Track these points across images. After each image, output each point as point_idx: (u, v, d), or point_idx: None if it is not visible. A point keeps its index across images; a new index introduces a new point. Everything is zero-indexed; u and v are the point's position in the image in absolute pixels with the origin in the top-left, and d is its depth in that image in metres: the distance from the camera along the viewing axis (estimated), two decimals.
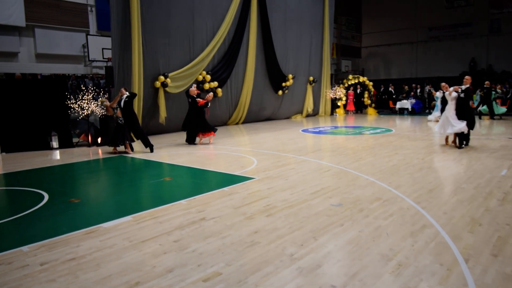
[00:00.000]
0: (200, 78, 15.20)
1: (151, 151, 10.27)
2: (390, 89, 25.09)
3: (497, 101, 18.36)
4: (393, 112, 23.67)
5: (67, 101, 11.26)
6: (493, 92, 17.75)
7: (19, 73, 15.16)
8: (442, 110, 16.92)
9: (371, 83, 23.20)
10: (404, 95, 24.14)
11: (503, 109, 18.05)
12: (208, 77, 15.42)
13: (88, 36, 16.72)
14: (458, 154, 9.09)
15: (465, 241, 4.04)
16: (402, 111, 23.07)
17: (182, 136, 13.85)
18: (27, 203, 5.84)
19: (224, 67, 16.39)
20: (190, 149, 10.70)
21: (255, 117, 19.03)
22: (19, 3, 14.71)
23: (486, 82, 17.91)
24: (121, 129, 10.23)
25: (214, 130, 11.65)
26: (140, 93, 12.78)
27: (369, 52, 32.18)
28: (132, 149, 10.43)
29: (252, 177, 7.20)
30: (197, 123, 11.41)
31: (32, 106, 11.10)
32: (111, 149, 10.63)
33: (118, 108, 10.29)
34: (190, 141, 11.57)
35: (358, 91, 23.72)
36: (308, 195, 5.90)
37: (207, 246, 4.04)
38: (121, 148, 10.65)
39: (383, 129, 14.80)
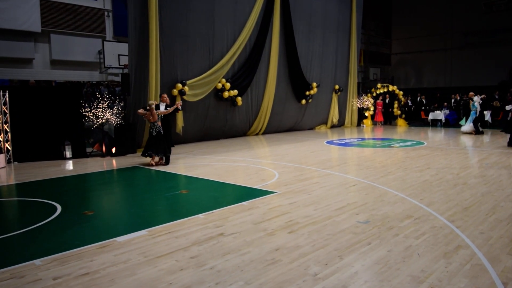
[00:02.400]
0: (220, 86, 15.39)
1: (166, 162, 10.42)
2: (419, 99, 24.84)
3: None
4: (425, 123, 23.36)
5: (82, 109, 11.56)
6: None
7: (33, 80, 15.65)
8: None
9: (401, 92, 23.01)
10: (436, 105, 23.87)
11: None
12: (228, 85, 15.59)
13: (104, 42, 17.13)
14: (496, 170, 8.91)
15: (504, 264, 3.96)
16: (435, 123, 22.74)
17: (200, 146, 14.02)
18: (39, 215, 6.00)
19: (245, 75, 16.55)
20: (208, 161, 10.81)
21: (276, 127, 19.08)
22: (35, 8, 15.23)
23: (470, 93, 17.33)
24: (161, 139, 10.19)
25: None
26: (157, 101, 12.98)
27: (399, 59, 31.92)
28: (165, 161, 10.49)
29: (273, 191, 7.22)
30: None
31: (46, 114, 11.44)
32: (148, 160, 10.54)
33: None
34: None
35: (387, 100, 23.54)
36: (333, 211, 5.88)
37: (225, 263, 4.08)
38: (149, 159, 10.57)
39: (414, 142, 14.62)
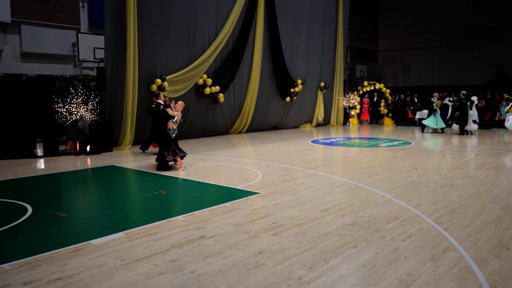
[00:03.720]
0: (201, 81, 15.32)
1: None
2: (410, 97, 25.19)
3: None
4: (412, 123, 23.69)
5: (54, 105, 11.36)
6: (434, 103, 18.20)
7: (3, 73, 15.33)
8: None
9: (388, 91, 23.28)
10: (419, 104, 24.36)
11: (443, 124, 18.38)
12: (210, 81, 15.53)
13: (79, 34, 16.89)
14: (484, 171, 9.10)
15: (492, 267, 4.05)
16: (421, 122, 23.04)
17: (180, 145, 13.90)
18: (8, 216, 5.89)
19: (227, 71, 16.51)
20: (188, 160, 10.75)
21: (260, 125, 19.10)
22: None
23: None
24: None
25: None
26: (135, 97, 12.88)
27: (387, 57, 32.32)
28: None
29: (257, 191, 7.23)
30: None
31: (16, 110, 11.20)
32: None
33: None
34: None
35: (375, 99, 23.80)
36: (318, 212, 5.92)
37: (206, 267, 4.07)
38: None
39: (401, 142, 14.82)
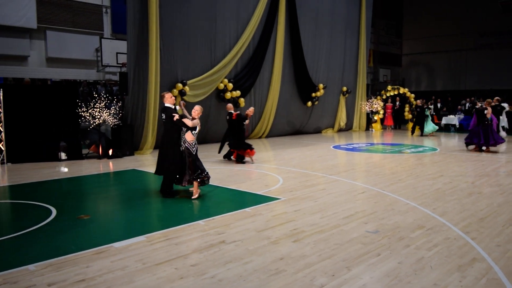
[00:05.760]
0: (222, 86, 15.42)
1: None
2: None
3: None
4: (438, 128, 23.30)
5: (78, 109, 11.60)
6: (426, 109, 19.28)
7: (28, 78, 15.74)
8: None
9: (412, 95, 22.98)
10: (445, 109, 24.09)
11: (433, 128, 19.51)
12: (230, 86, 15.62)
13: (102, 40, 17.24)
14: None
15: None
16: (448, 128, 22.69)
17: (200, 149, 13.99)
18: (33, 218, 6.03)
19: (248, 75, 16.58)
20: (209, 165, 10.81)
21: (280, 130, 19.10)
22: (31, 4, 15.34)
23: (418, 101, 19.75)
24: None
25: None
26: (156, 102, 13.04)
27: (411, 60, 31.93)
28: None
29: (277, 197, 7.23)
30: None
31: (41, 114, 11.47)
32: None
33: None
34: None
35: (398, 103, 23.51)
36: (340, 219, 5.88)
37: (227, 272, 4.08)
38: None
39: (426, 148, 14.60)
